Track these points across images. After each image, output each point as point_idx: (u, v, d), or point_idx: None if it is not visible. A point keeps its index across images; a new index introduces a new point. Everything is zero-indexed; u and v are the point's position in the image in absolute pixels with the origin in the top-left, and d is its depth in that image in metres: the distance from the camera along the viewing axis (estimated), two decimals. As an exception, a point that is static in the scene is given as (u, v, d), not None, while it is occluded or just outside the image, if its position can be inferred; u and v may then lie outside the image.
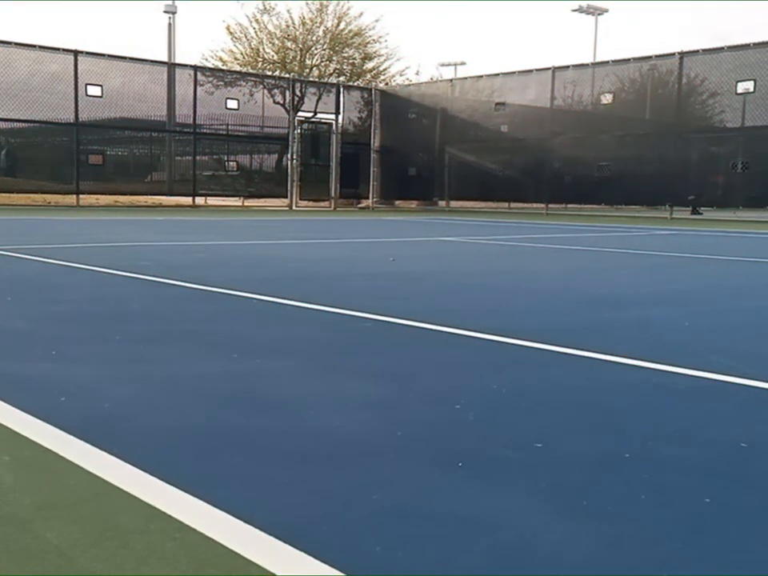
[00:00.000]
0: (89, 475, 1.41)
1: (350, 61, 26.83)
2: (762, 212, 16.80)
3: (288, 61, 26.28)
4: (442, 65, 41.43)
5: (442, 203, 20.87)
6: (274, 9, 26.30)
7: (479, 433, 1.71)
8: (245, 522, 1.21)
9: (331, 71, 26.46)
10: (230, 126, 19.43)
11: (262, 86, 20.30)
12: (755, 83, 15.10)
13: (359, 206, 21.99)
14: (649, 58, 16.92)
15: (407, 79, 27.66)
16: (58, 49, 16.60)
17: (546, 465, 1.51)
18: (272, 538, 1.16)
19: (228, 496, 1.31)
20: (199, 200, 19.27)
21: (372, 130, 21.81)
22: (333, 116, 21.16)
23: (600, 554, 1.14)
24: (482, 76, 20.06)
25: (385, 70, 27.67)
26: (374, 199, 21.82)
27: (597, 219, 16.58)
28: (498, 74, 19.45)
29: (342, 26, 26.40)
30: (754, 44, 15.22)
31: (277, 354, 2.49)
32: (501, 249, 7.89)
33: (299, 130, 20.48)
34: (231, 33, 26.54)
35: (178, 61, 22.46)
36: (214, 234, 9.44)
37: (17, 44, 16.18)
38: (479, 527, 1.22)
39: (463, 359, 2.48)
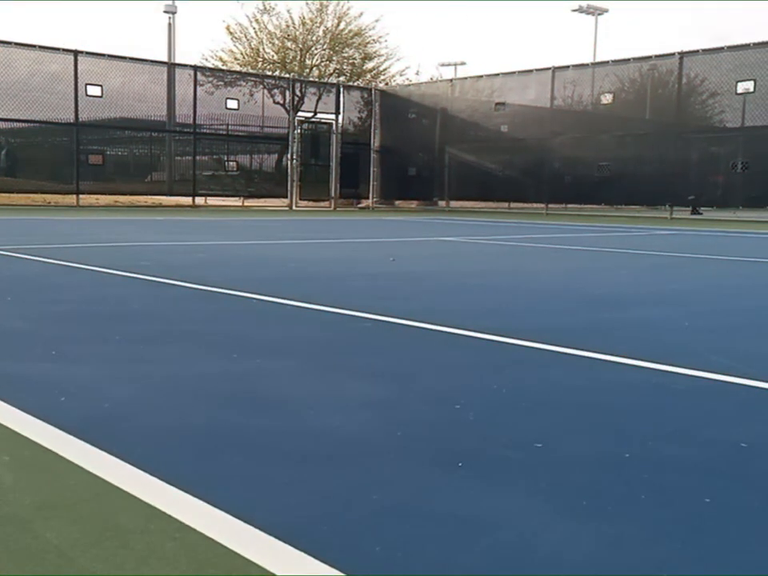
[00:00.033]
0: (89, 475, 1.41)
1: (350, 61, 26.84)
2: (762, 212, 16.80)
3: (288, 61, 26.28)
4: (442, 65, 41.49)
5: (442, 203, 20.87)
6: (274, 9, 26.33)
7: (479, 433, 1.71)
8: (245, 522, 1.21)
9: (331, 71, 26.46)
10: (230, 126, 19.44)
11: (262, 86, 20.30)
12: (755, 83, 15.10)
13: (359, 206, 21.99)
14: (649, 58, 16.92)
15: (407, 79, 27.69)
16: (57, 49, 16.60)
17: (546, 465, 1.51)
18: (272, 538, 1.16)
19: (228, 496, 1.31)
20: (199, 200, 19.27)
21: (372, 130, 21.81)
22: (333, 116, 21.17)
23: (600, 553, 1.14)
24: (481, 76, 20.06)
25: (385, 70, 27.71)
26: (374, 199, 21.82)
27: (597, 219, 16.58)
28: (498, 74, 19.45)
29: (342, 26, 26.42)
30: (754, 44, 15.23)
31: (277, 354, 2.49)
32: (501, 249, 7.89)
33: (299, 130, 20.49)
34: (231, 33, 26.58)
35: (177, 61, 22.47)
36: (214, 233, 9.44)
37: (17, 44, 16.18)
38: (479, 527, 1.22)
39: (463, 359, 2.48)
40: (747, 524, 1.26)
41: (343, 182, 21.30)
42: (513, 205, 21.32)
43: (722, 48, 15.64)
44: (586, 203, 19.36)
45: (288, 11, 27.04)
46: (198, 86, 18.67)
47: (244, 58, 26.54)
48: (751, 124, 15.54)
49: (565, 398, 2.02)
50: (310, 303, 3.48)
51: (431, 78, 28.26)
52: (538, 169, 18.29)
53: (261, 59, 26.44)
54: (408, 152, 21.15)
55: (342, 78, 25.27)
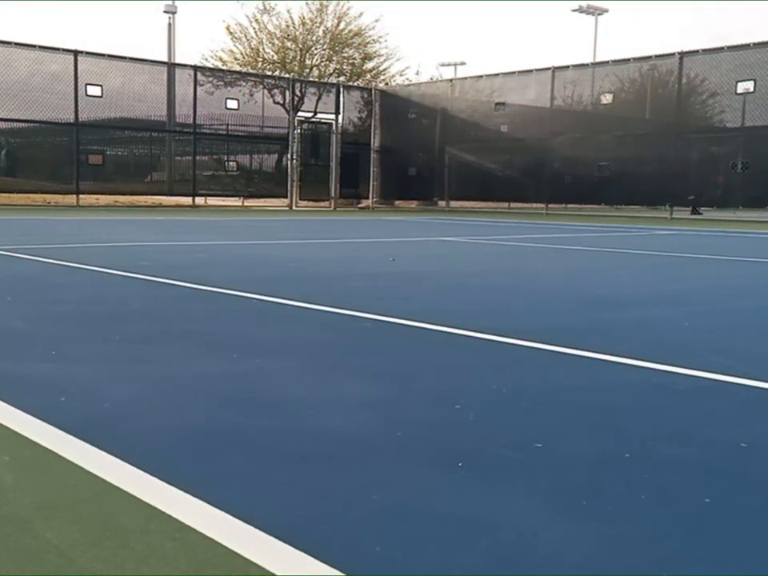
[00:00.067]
0: (89, 475, 1.41)
1: (350, 61, 26.84)
2: (762, 212, 16.80)
3: (288, 61, 26.29)
4: (442, 65, 41.49)
5: (442, 203, 20.87)
6: (273, 9, 26.34)
7: (479, 433, 1.71)
8: (245, 522, 1.21)
9: (331, 71, 26.47)
10: (229, 126, 19.44)
11: (261, 86, 20.30)
12: (755, 83, 15.11)
13: (359, 206, 21.99)
14: (649, 57, 16.92)
15: (407, 79, 27.69)
16: (57, 49, 16.60)
17: (546, 465, 1.51)
18: (272, 538, 1.16)
19: (228, 496, 1.31)
20: (199, 200, 19.27)
21: (372, 130, 21.81)
22: (333, 116, 21.17)
23: (600, 553, 1.14)
24: (481, 76, 20.06)
25: (385, 70, 27.71)
26: (374, 199, 21.82)
27: (597, 219, 16.58)
28: (497, 74, 19.46)
29: (342, 26, 26.42)
30: (754, 44, 15.23)
31: (277, 354, 2.49)
32: (501, 249, 7.89)
33: (299, 130, 20.49)
34: (231, 33, 26.58)
35: (177, 61, 22.47)
36: (214, 233, 9.44)
37: (17, 44, 16.18)
38: (479, 527, 1.22)
39: (463, 359, 2.48)
40: (747, 524, 1.26)
41: (343, 182, 21.30)
42: (513, 205, 21.32)
43: (722, 48, 15.64)
44: (586, 203, 19.37)
45: (288, 11, 27.10)
46: (197, 86, 18.67)
47: (244, 57, 26.55)
48: (751, 124, 15.55)
49: (565, 397, 2.02)
50: (310, 303, 3.48)
51: (431, 78, 28.27)
52: (538, 169, 18.29)
53: (261, 59, 26.45)
54: (408, 152, 21.15)
55: (341, 78, 25.27)
